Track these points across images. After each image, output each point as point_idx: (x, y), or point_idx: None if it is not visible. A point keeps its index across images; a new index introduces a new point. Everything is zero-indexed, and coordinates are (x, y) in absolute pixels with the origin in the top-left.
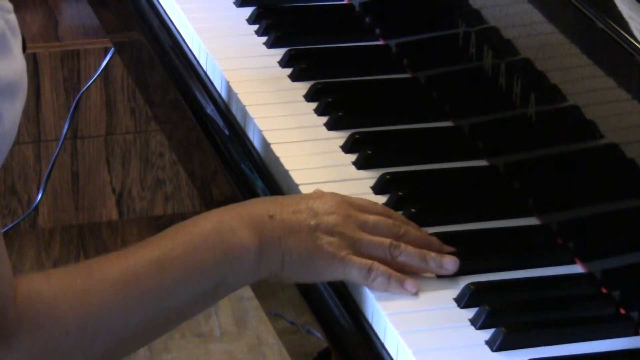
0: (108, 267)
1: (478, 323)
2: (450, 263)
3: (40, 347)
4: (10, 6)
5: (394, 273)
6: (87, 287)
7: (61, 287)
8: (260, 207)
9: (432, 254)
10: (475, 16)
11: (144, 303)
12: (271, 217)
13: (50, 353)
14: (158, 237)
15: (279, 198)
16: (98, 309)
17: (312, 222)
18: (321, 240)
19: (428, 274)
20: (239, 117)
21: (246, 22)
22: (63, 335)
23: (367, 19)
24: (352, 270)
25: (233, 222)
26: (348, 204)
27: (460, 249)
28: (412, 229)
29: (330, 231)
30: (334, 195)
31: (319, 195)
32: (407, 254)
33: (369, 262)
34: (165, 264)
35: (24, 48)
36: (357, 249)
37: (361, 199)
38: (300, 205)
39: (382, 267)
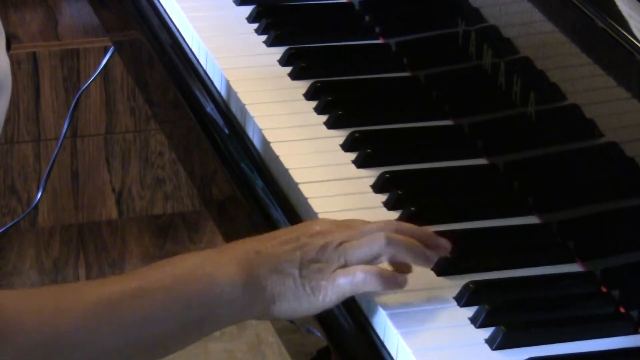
0: (84, 291)
1: (478, 322)
2: (443, 248)
3: None
4: None
5: (383, 270)
6: (58, 307)
7: (30, 304)
8: (247, 245)
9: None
10: (475, 15)
11: (121, 329)
12: (257, 252)
13: None
14: (142, 268)
15: (266, 234)
16: (68, 330)
17: (298, 253)
18: (307, 269)
19: (427, 272)
20: (238, 116)
21: (246, 21)
22: (29, 352)
23: (367, 18)
24: (340, 285)
25: (219, 258)
26: (338, 222)
27: (459, 248)
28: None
29: (315, 258)
30: (326, 219)
31: (310, 222)
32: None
33: (352, 269)
34: (144, 292)
35: (9, 47)
36: (345, 261)
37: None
38: (286, 236)
39: (367, 268)
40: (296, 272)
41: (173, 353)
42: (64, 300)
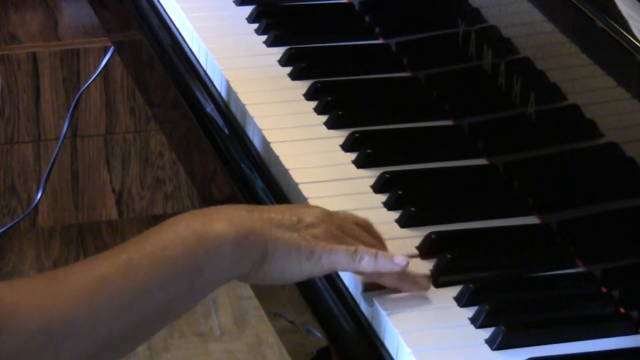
0: (74, 273)
1: (478, 322)
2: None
3: (6, 352)
4: None
5: (380, 251)
6: (51, 291)
7: (24, 292)
8: (237, 207)
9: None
10: (475, 15)
11: (115, 306)
12: (250, 211)
13: (17, 357)
14: (129, 241)
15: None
16: (63, 312)
17: (294, 218)
18: (304, 231)
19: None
20: (238, 116)
21: (246, 21)
22: (28, 339)
23: (367, 18)
24: (337, 255)
25: (206, 217)
26: (328, 211)
27: (459, 248)
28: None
29: (312, 224)
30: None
31: (299, 205)
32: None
33: (354, 244)
34: (133, 264)
35: None
36: (340, 237)
37: (344, 212)
38: (280, 207)
39: (368, 247)
40: (291, 232)
41: (170, 323)
42: (56, 283)
